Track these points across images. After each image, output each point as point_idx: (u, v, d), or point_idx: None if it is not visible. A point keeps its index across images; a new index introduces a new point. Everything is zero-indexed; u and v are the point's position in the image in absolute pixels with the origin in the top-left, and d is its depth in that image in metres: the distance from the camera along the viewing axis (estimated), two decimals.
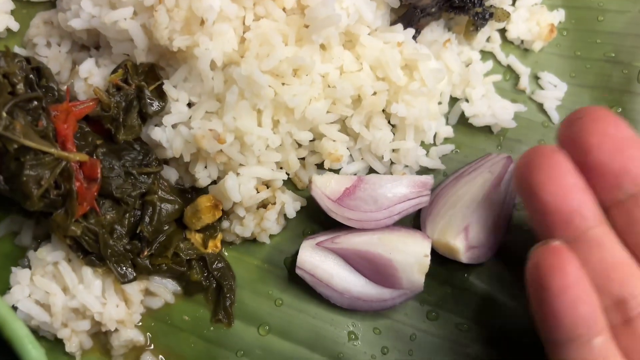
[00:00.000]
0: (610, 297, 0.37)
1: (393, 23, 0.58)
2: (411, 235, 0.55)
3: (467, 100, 0.62)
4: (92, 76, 0.55)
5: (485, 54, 0.65)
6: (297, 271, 0.55)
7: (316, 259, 0.55)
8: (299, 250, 0.55)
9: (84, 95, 0.55)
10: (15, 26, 0.61)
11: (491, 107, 0.61)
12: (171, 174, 0.56)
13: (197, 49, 0.51)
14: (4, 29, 0.60)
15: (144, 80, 0.54)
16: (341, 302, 0.55)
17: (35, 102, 0.49)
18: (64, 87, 0.55)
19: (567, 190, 0.36)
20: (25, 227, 0.55)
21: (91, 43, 0.59)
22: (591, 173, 0.36)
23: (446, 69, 0.60)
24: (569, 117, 0.37)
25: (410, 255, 0.53)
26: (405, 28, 0.58)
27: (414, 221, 0.58)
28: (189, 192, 0.57)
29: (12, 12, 0.62)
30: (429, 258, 0.54)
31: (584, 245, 0.37)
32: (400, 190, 0.56)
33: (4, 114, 0.46)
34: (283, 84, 0.53)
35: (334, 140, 0.57)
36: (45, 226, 0.54)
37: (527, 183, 0.36)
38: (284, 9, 0.53)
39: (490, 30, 0.65)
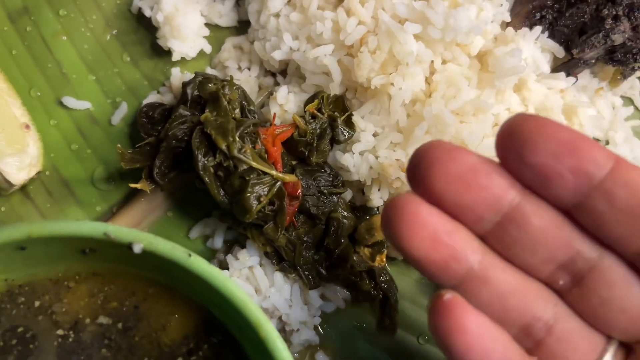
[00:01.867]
0: (515, 326, 0.36)
1: (554, 70, 0.64)
2: None
3: (607, 143, 0.68)
4: (288, 103, 0.61)
5: (625, 99, 0.71)
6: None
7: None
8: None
9: (277, 120, 0.62)
10: (208, 49, 0.68)
11: (633, 151, 0.67)
12: (347, 194, 0.63)
13: (392, 88, 0.57)
14: (197, 52, 0.67)
15: (334, 110, 0.61)
16: None
17: (252, 127, 0.56)
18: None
19: (431, 241, 0.33)
20: (217, 232, 0.62)
21: (277, 70, 0.66)
22: (451, 213, 0.34)
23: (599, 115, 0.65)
24: (410, 161, 0.34)
25: None
26: (566, 76, 0.63)
27: None
28: (358, 210, 0.64)
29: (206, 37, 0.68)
30: None
31: (471, 285, 0.35)
32: None
33: (237, 138, 0.53)
34: (461, 122, 0.59)
35: None
36: (234, 233, 0.62)
37: (393, 241, 0.34)
38: (468, 55, 0.59)
39: (632, 78, 0.70)
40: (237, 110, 0.56)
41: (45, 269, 0.50)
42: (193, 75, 0.62)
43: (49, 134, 0.64)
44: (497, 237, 0.34)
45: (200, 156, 0.53)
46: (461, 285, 0.34)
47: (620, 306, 0.34)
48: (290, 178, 0.55)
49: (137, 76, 0.67)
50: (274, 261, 0.59)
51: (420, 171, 0.33)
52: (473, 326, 0.33)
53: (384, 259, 0.64)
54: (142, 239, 0.45)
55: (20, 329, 0.50)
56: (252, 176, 0.53)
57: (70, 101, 0.65)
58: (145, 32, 0.68)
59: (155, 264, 0.48)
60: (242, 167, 0.53)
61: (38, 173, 0.61)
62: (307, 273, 0.59)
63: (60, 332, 0.50)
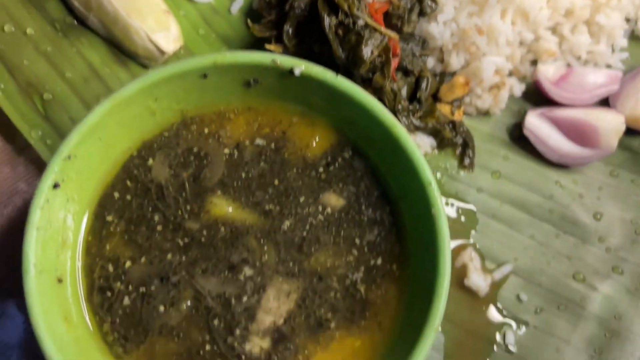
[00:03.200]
0: None
1: None
2: (608, 111, 0.76)
3: None
4: None
5: None
6: (525, 131, 0.75)
7: (538, 123, 0.76)
8: (526, 117, 0.76)
9: None
10: None
11: None
12: (429, 62, 0.77)
13: None
14: None
15: None
16: (552, 157, 0.76)
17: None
18: None
19: None
20: None
21: None
22: None
23: None
24: None
25: (610, 123, 0.74)
26: None
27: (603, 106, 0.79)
28: (438, 75, 0.78)
29: None
30: (624, 125, 0.74)
31: None
32: (598, 79, 0.77)
33: (355, 1, 0.67)
34: None
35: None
36: None
37: None
38: None
39: None
40: None
41: (210, 103, 0.63)
42: None
43: (180, 23, 0.77)
44: None
45: (325, 16, 0.67)
46: None
47: None
48: (394, 35, 0.69)
49: None
50: None
51: None
52: None
53: (462, 114, 0.78)
54: (301, 64, 0.59)
55: (195, 149, 0.63)
56: (365, 32, 0.67)
57: None
58: None
59: (301, 94, 0.62)
60: (358, 25, 0.67)
61: (181, 47, 0.74)
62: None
63: (226, 150, 0.63)
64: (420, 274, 0.59)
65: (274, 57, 0.59)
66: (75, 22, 0.75)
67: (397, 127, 0.59)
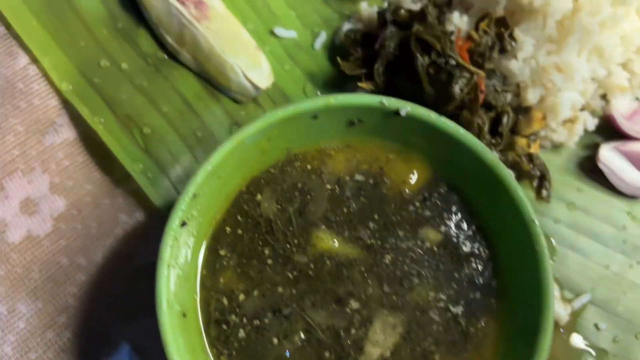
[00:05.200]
0: None
1: None
2: None
3: None
4: (463, 23, 0.78)
5: None
6: (599, 164, 0.79)
7: (612, 157, 0.79)
8: (600, 150, 0.79)
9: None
10: None
11: None
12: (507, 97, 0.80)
13: (549, 7, 0.74)
14: None
15: (499, 27, 0.78)
16: (625, 190, 0.79)
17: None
18: None
19: None
20: None
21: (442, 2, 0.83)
22: None
23: None
24: None
25: None
26: None
27: None
28: (515, 110, 0.81)
29: None
30: None
31: None
32: None
33: (448, 42, 0.70)
34: (600, 33, 0.76)
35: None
36: None
37: None
38: None
39: None
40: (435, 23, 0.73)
41: (314, 141, 0.66)
42: (382, 6, 0.79)
43: (267, 58, 0.80)
44: None
45: (418, 56, 0.70)
46: None
47: None
48: (482, 74, 0.72)
49: (328, 11, 0.83)
50: None
51: None
52: None
53: (537, 147, 0.81)
54: (407, 105, 0.62)
55: (299, 184, 0.66)
56: (456, 71, 0.70)
57: (280, 31, 0.81)
58: None
59: (401, 132, 0.65)
60: (449, 64, 0.70)
61: (272, 83, 0.77)
62: None
63: (328, 186, 0.66)
64: (521, 308, 0.61)
65: (381, 99, 0.62)
66: (166, 56, 0.78)
67: (500, 166, 0.62)
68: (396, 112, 0.62)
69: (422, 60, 0.70)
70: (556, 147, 0.82)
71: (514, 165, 0.78)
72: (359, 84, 0.74)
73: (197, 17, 0.74)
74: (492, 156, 0.62)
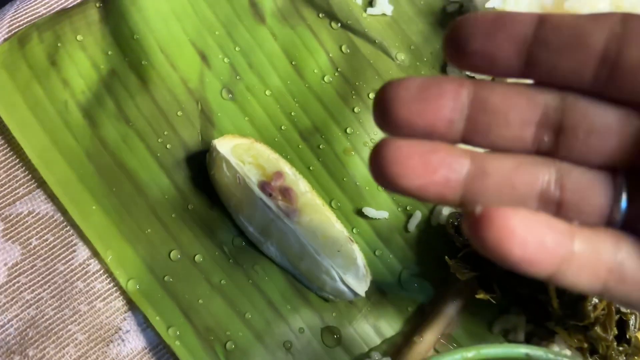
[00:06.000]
0: (532, 198, 0.34)
1: None
2: None
3: None
4: None
5: None
6: None
7: None
8: None
9: None
10: None
11: None
12: None
13: None
14: None
15: None
16: None
17: None
18: None
19: (423, 165, 0.33)
20: (519, 326, 0.70)
21: None
22: (424, 134, 0.34)
23: None
24: (374, 109, 0.34)
25: None
26: None
27: None
28: None
29: None
30: None
31: (475, 185, 0.33)
32: None
33: None
34: None
35: None
36: (539, 333, 0.70)
37: (390, 185, 0.33)
38: None
39: None
40: None
41: None
42: None
43: (357, 243, 0.71)
44: (472, 130, 0.34)
45: None
46: (466, 191, 0.33)
47: (602, 126, 0.34)
48: None
49: None
50: (587, 355, 0.66)
51: (384, 110, 0.33)
52: (517, 222, 0.30)
53: None
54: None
55: None
56: None
57: (370, 211, 0.72)
58: None
59: None
60: None
61: (371, 281, 0.68)
62: None
63: None
64: None
65: (527, 350, 0.53)
66: (244, 242, 0.69)
67: None
68: None
69: None
70: None
71: None
72: (477, 296, 0.65)
73: (285, 210, 0.65)
74: None
